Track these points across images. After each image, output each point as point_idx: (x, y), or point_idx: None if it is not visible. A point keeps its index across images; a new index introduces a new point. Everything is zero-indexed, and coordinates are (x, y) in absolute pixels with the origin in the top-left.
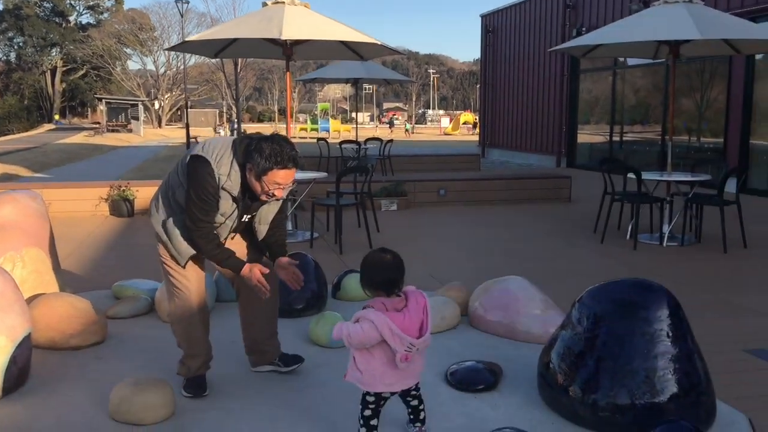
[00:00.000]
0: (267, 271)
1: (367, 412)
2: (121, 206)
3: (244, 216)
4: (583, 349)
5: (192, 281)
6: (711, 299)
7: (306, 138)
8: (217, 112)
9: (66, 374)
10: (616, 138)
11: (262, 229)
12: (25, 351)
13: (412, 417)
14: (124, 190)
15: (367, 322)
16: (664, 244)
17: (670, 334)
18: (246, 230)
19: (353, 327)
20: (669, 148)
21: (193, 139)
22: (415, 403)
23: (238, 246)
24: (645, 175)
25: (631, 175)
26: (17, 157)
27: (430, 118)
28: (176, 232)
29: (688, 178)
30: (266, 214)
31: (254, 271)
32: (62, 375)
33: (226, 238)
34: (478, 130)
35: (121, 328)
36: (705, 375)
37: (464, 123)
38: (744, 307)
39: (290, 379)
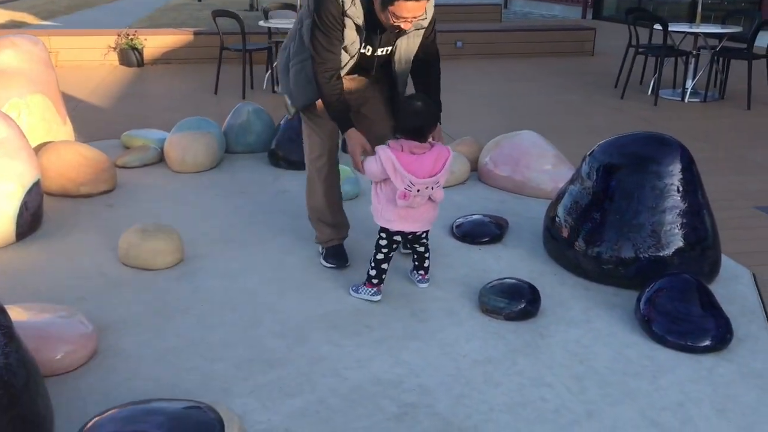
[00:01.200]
0: (369, 153)
1: (379, 256)
2: (130, 55)
3: (378, 50)
4: (590, 202)
5: (323, 131)
6: (727, 155)
7: None
8: None
9: (78, 221)
10: None
11: (402, 70)
12: (35, 197)
13: (416, 264)
14: (132, 39)
15: (375, 156)
16: (686, 100)
17: (681, 189)
18: (379, 91)
19: (368, 158)
20: None
21: None
22: (421, 249)
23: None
24: (672, 27)
25: (657, 26)
26: (23, 4)
27: None
28: (302, 73)
29: (718, 29)
30: (406, 49)
31: (357, 146)
32: (74, 221)
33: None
34: None
35: (130, 177)
36: (712, 230)
37: None
38: (760, 164)
39: (299, 229)
